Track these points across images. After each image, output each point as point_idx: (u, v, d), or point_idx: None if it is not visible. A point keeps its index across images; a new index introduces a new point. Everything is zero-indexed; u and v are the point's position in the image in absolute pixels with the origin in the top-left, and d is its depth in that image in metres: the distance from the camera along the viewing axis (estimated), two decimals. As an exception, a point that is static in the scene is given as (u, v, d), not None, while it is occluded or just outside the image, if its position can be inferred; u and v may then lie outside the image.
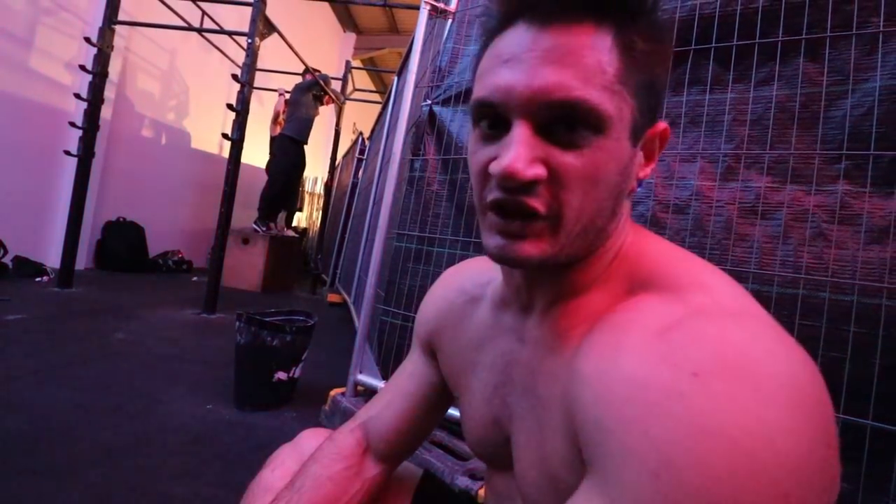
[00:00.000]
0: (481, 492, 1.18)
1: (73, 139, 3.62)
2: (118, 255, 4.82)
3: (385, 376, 1.71)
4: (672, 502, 0.27)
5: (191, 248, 5.87)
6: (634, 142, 0.39)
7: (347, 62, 6.58)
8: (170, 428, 1.61)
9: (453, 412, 1.37)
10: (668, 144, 1.23)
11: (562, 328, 0.43)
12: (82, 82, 3.68)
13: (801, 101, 1.07)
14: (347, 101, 6.40)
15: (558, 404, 0.40)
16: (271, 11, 3.65)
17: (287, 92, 5.42)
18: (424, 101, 1.82)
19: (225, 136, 3.46)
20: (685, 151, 1.22)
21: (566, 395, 0.38)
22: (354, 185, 5.15)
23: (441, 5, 1.83)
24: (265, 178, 5.41)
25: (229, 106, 3.44)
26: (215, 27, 4.35)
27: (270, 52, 4.65)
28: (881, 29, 0.99)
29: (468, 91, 0.39)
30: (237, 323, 1.84)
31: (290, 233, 5.75)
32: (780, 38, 1.10)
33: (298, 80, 5.31)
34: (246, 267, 4.73)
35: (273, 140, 5.51)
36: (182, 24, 4.22)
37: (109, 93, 4.13)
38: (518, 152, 0.36)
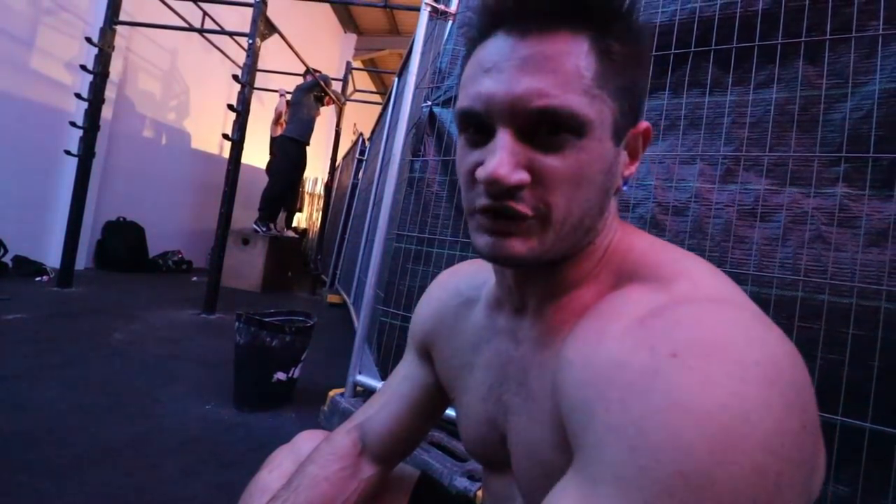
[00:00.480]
0: (479, 493, 1.18)
1: (73, 139, 3.62)
2: (118, 255, 4.82)
3: (384, 377, 1.71)
4: (650, 476, 0.27)
5: (191, 248, 5.88)
6: (617, 142, 0.40)
7: (348, 63, 6.58)
8: (168, 428, 1.61)
9: (451, 413, 1.37)
10: (668, 147, 1.24)
11: (553, 324, 0.44)
12: (83, 82, 3.69)
13: (801, 104, 1.07)
14: (348, 102, 6.41)
15: (546, 393, 0.41)
16: (272, 12, 3.66)
17: (288, 93, 5.42)
18: (425, 102, 1.82)
19: (225, 136, 3.47)
20: (685, 153, 1.22)
21: (553, 382, 0.39)
22: (354, 186, 5.15)
23: (442, 7, 1.83)
24: (265, 178, 5.41)
25: (230, 106, 3.45)
26: (216, 27, 4.35)
27: (271, 52, 4.66)
28: (880, 32, 1.00)
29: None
30: (237, 323, 1.84)
31: (290, 233, 5.76)
32: (779, 41, 1.10)
33: (299, 80, 5.32)
34: (246, 267, 4.73)
35: (274, 140, 5.52)
36: (183, 24, 4.23)
37: (110, 93, 4.14)
38: (501, 158, 0.37)
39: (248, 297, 4.29)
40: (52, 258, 4.05)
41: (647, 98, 1.24)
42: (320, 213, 7.06)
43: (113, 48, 3.67)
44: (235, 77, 3.45)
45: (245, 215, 5.60)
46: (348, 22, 9.99)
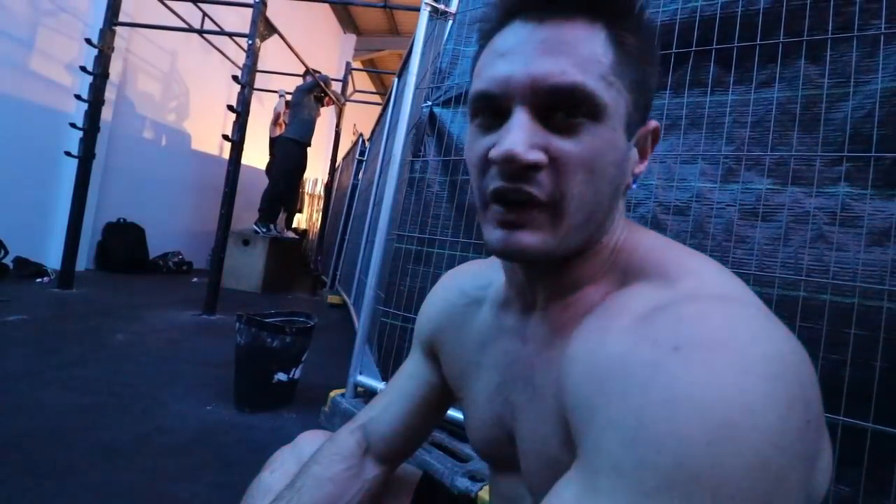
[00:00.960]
0: (481, 494, 1.18)
1: (73, 140, 3.62)
2: (118, 256, 4.82)
3: (385, 378, 1.71)
4: (649, 468, 0.27)
5: (191, 249, 5.87)
6: (629, 136, 0.40)
7: (348, 63, 6.58)
8: (169, 429, 1.61)
9: (453, 413, 1.37)
10: (669, 146, 1.24)
11: (560, 323, 0.44)
12: (83, 83, 3.69)
13: (802, 103, 1.07)
14: (348, 103, 6.41)
15: (552, 390, 0.41)
16: (272, 13, 3.66)
17: (288, 93, 5.42)
18: (425, 102, 1.82)
19: (225, 137, 3.47)
20: (686, 153, 1.21)
21: (558, 379, 0.39)
22: (354, 187, 5.15)
23: (442, 7, 1.83)
24: (265, 179, 5.40)
25: (230, 107, 3.45)
26: (216, 28, 4.35)
27: (271, 53, 4.67)
28: (882, 31, 0.99)
29: (468, 92, 0.40)
30: (237, 324, 1.84)
31: (291, 234, 5.75)
32: (781, 40, 1.10)
33: (299, 81, 5.31)
34: (246, 268, 4.73)
35: (274, 141, 5.51)
36: (183, 25, 4.23)
37: (110, 94, 4.13)
38: (518, 136, 0.36)
39: (248, 298, 4.29)
40: (53, 259, 4.04)
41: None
42: (320, 213, 7.06)
43: (112, 49, 3.67)
44: (235, 78, 3.45)
45: (245, 216, 5.60)
46: (348, 22, 9.99)
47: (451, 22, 1.83)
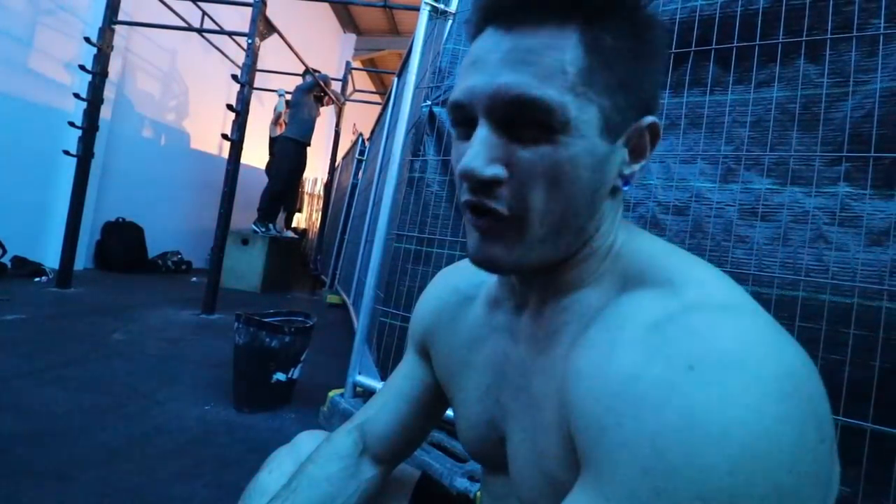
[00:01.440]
0: (480, 493, 1.17)
1: (72, 139, 3.62)
2: (117, 255, 4.81)
3: (384, 377, 1.71)
4: (666, 496, 0.26)
5: (190, 248, 5.87)
6: (611, 139, 0.39)
7: (347, 63, 6.58)
8: (168, 429, 1.61)
9: (452, 413, 1.36)
10: (669, 146, 1.23)
11: (555, 326, 0.43)
12: (82, 82, 3.68)
13: (802, 103, 1.07)
14: (347, 102, 6.41)
15: (552, 402, 0.40)
16: (271, 12, 3.66)
17: (288, 93, 5.41)
18: (424, 102, 1.82)
19: (225, 136, 3.46)
20: (685, 153, 1.21)
21: (560, 392, 0.38)
22: (354, 186, 5.15)
23: (441, 6, 1.83)
24: (265, 179, 5.40)
25: (229, 106, 3.44)
26: (215, 27, 4.35)
27: (270, 52, 4.66)
28: (882, 31, 0.99)
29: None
30: (236, 324, 1.84)
31: (290, 234, 5.75)
32: (780, 40, 1.10)
33: (298, 80, 5.31)
34: (245, 268, 4.72)
35: (274, 141, 5.50)
36: (182, 24, 4.23)
37: (109, 93, 4.13)
38: (476, 151, 0.37)
39: (247, 298, 4.28)
40: (51, 259, 4.04)
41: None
42: (320, 213, 7.06)
43: (112, 48, 3.67)
44: (235, 77, 3.45)
45: (244, 216, 5.60)
46: (348, 22, 9.98)
47: (450, 21, 1.83)
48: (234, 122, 3.44)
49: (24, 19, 3.93)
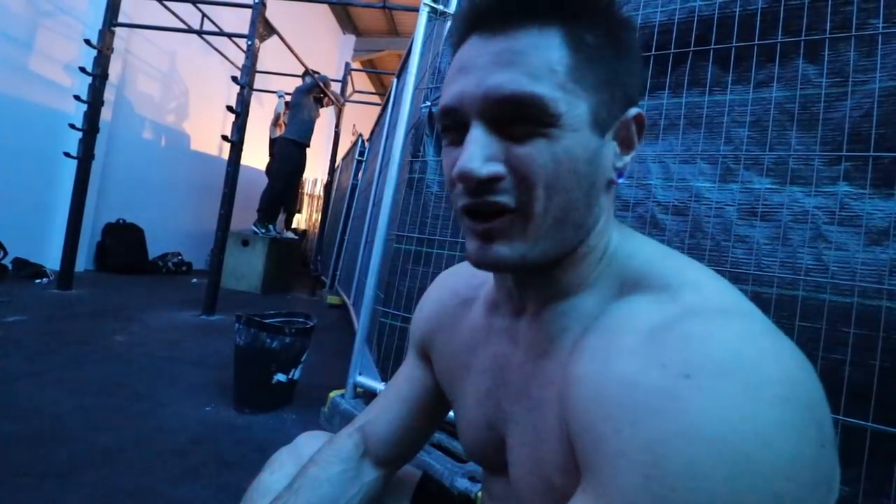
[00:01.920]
0: (481, 494, 1.17)
1: (72, 141, 3.62)
2: (118, 256, 4.82)
3: (385, 378, 1.71)
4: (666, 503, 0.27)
5: (190, 249, 5.87)
6: (601, 132, 0.40)
7: (347, 64, 6.58)
8: (169, 429, 1.61)
9: (453, 415, 1.36)
10: (668, 146, 1.24)
11: (554, 331, 0.43)
12: (82, 84, 3.69)
13: (801, 103, 1.07)
14: (347, 103, 6.40)
15: (552, 408, 0.40)
16: (271, 13, 3.66)
17: (287, 94, 5.42)
18: (424, 102, 1.82)
19: (224, 137, 3.47)
20: (684, 153, 1.21)
21: (560, 398, 0.38)
22: (354, 187, 5.15)
23: (440, 7, 1.83)
24: (265, 180, 5.40)
25: (229, 108, 3.44)
26: (215, 29, 4.35)
27: (270, 54, 4.66)
28: (880, 30, 1.00)
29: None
30: (236, 324, 1.84)
31: (290, 234, 5.75)
32: (779, 40, 1.10)
33: (298, 82, 5.31)
34: (245, 269, 4.73)
35: (274, 142, 5.50)
36: (182, 26, 4.23)
37: (109, 95, 4.13)
38: (471, 151, 0.37)
39: (247, 299, 4.29)
40: (52, 260, 4.04)
41: (644, 88, 1.23)
42: (320, 214, 7.06)
43: (112, 50, 3.67)
44: (234, 78, 3.45)
45: (244, 217, 5.60)
46: (347, 23, 9.99)
47: (449, 22, 1.83)
48: (233, 123, 3.44)
49: (24, 22, 3.94)
